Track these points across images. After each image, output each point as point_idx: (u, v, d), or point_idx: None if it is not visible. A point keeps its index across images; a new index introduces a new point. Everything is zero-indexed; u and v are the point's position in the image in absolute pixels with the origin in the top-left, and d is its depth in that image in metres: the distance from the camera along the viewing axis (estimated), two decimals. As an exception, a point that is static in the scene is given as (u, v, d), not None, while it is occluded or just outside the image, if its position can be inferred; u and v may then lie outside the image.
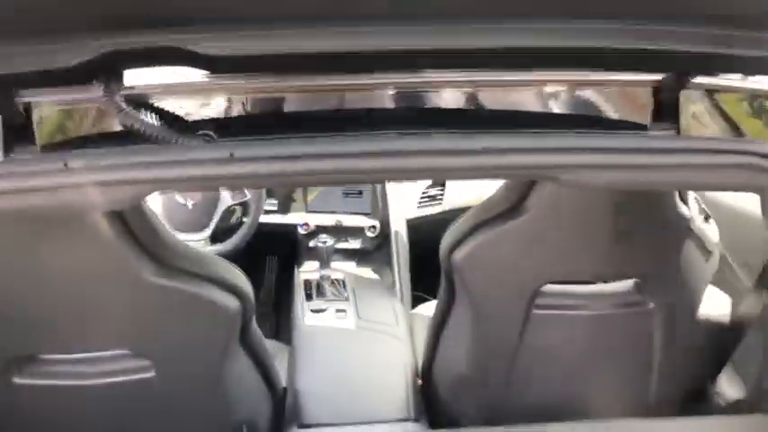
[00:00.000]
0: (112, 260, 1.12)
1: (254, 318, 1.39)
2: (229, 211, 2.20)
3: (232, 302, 1.27)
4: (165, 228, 1.24)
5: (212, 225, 2.15)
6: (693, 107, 1.10)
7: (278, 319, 2.58)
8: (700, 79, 1.02)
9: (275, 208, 2.39)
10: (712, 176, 0.97)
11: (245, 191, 2.18)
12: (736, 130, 1.13)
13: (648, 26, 0.86)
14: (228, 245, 2.15)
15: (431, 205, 2.48)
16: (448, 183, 2.49)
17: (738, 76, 1.02)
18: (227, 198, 2.16)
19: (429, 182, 2.48)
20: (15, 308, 1.16)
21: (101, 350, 1.25)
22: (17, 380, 1.24)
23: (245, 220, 2.20)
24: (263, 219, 2.25)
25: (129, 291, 1.17)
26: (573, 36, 0.87)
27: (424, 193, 2.48)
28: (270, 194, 2.36)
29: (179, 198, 2.11)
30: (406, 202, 2.45)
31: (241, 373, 1.42)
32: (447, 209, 2.43)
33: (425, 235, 1.79)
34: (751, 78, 1.03)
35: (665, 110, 1.05)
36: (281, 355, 1.91)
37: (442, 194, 2.48)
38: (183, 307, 1.23)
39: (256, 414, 1.51)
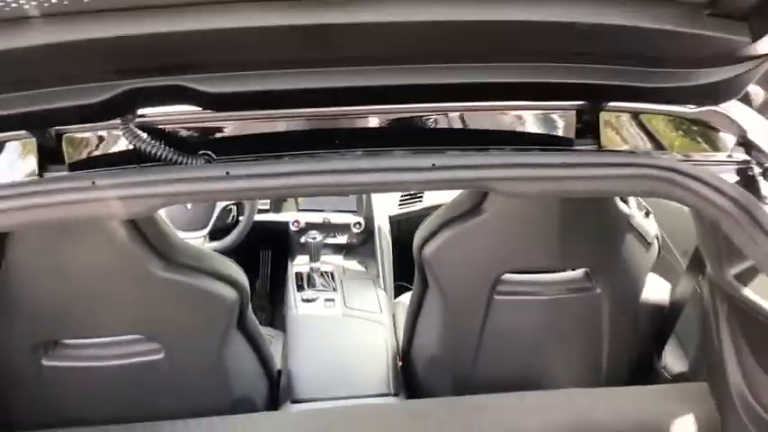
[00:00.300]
0: (127, 259, 1.31)
1: (249, 306, 1.57)
2: (226, 211, 2.36)
3: (230, 293, 1.46)
4: (170, 229, 1.43)
5: (210, 224, 2.31)
6: (619, 125, 1.29)
7: (273, 308, 2.73)
8: (613, 104, 1.22)
9: (268, 207, 2.53)
10: (622, 185, 1.16)
11: (240, 192, 2.35)
12: (656, 144, 1.32)
13: (569, 65, 1.05)
14: (226, 242, 2.30)
15: (411, 203, 2.62)
16: None
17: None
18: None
19: None
20: (44, 299, 1.35)
21: (117, 335, 1.43)
22: (45, 362, 1.42)
23: (240, 219, 2.35)
24: (258, 217, 2.39)
25: (140, 284, 1.35)
26: (512, 74, 1.06)
27: (405, 192, 2.61)
28: None
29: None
30: (388, 200, 2.60)
31: (239, 356, 1.60)
32: (427, 206, 2.56)
33: (407, 230, 1.94)
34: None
35: (588, 129, 1.24)
36: (277, 341, 2.09)
37: (421, 193, 2.61)
38: (187, 297, 1.41)
39: (254, 391, 1.69)
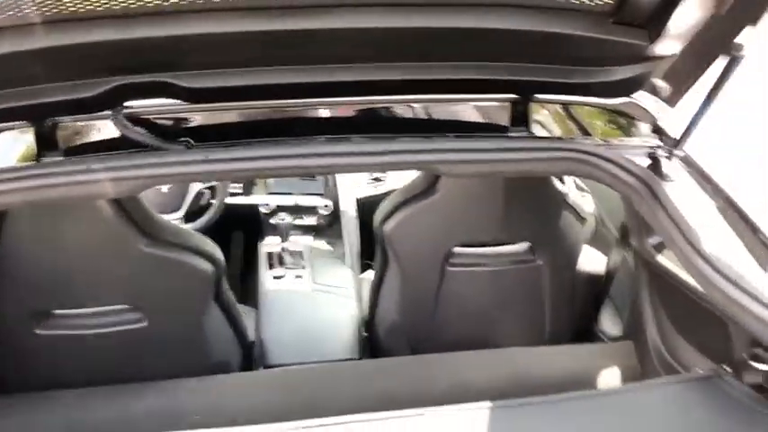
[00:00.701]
0: (114, 235, 1.46)
1: (224, 279, 1.73)
2: (199, 194, 2.47)
3: (208, 267, 1.61)
4: (152, 209, 1.58)
5: (185, 206, 2.42)
6: (550, 114, 1.47)
7: (244, 287, 2.86)
8: (542, 96, 1.40)
9: (240, 191, 2.64)
10: (548, 166, 1.35)
11: (214, 176, 2.48)
12: (582, 130, 1.51)
13: (504, 64, 1.23)
14: (199, 223, 2.40)
15: (376, 186, 2.75)
16: None
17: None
18: (197, 183, 2.46)
19: None
20: (38, 274, 1.49)
21: (105, 305, 1.58)
22: (38, 331, 1.56)
23: (212, 201, 2.47)
24: (230, 200, 2.51)
25: (126, 258, 1.50)
26: (456, 72, 1.23)
27: (370, 175, 2.75)
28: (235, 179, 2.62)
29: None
30: (354, 183, 2.73)
31: (216, 324, 1.76)
32: (390, 189, 2.63)
33: (372, 211, 2.00)
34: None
35: (520, 118, 1.42)
36: (249, 316, 2.22)
37: (385, 176, 2.74)
38: (169, 270, 1.56)
39: (230, 357, 1.84)
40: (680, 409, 1.18)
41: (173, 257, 1.54)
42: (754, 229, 1.21)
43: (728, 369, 1.23)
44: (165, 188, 2.39)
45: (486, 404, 1.12)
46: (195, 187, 2.44)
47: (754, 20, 1.13)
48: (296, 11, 1.05)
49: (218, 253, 1.64)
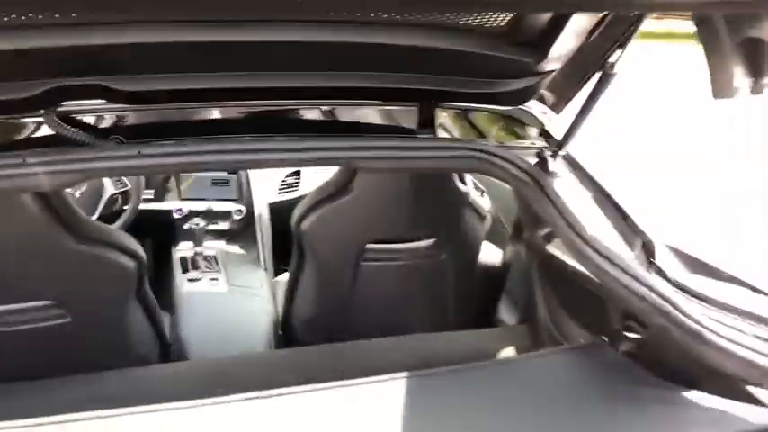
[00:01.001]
0: (39, 231, 1.48)
1: (146, 277, 1.78)
2: (112, 200, 2.49)
3: (130, 263, 1.66)
4: (77, 207, 1.61)
5: (98, 212, 2.43)
6: (451, 120, 1.66)
7: (157, 293, 2.87)
8: (447, 104, 1.59)
9: (152, 196, 2.66)
10: (450, 164, 1.53)
11: (126, 181, 2.50)
12: (479, 133, 1.71)
13: (412, 75, 1.40)
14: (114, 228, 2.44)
15: (289, 192, 2.85)
16: (302, 173, 2.87)
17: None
18: (110, 188, 2.46)
19: (287, 172, 2.85)
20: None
21: (28, 302, 1.59)
22: None
23: (125, 207, 2.49)
24: (143, 206, 2.52)
25: (51, 255, 1.53)
26: (371, 81, 1.38)
27: (283, 181, 2.85)
28: (148, 185, 2.63)
29: (68, 189, 2.39)
30: (267, 189, 2.80)
31: (136, 320, 1.80)
32: (303, 194, 2.70)
33: (285, 216, 2.10)
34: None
35: (426, 122, 1.59)
36: (164, 320, 2.27)
37: (298, 182, 2.86)
38: (93, 267, 1.59)
39: (149, 353, 1.89)
40: (564, 372, 1.37)
41: (97, 254, 1.58)
42: (622, 214, 1.44)
43: (606, 339, 1.45)
44: (77, 192, 2.39)
45: (396, 376, 1.26)
46: (108, 192, 2.45)
47: (623, 43, 1.36)
48: (224, 24, 1.16)
49: (140, 250, 1.69)
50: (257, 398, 1.20)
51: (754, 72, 1.15)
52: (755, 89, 1.17)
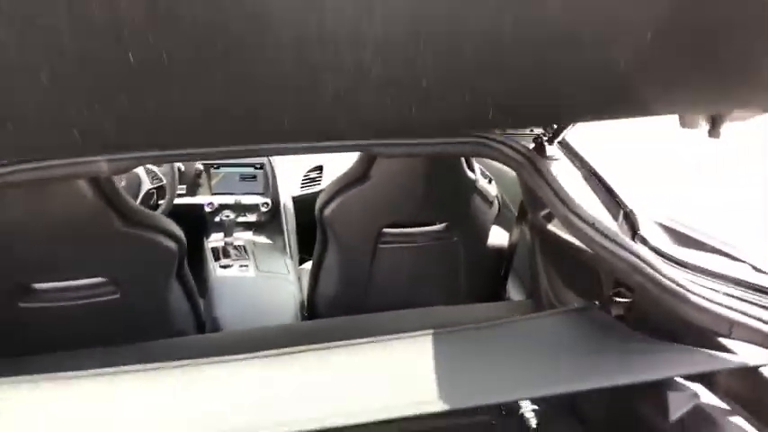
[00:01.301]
0: (92, 214, 1.68)
1: (186, 259, 1.97)
2: (149, 194, 2.67)
3: (173, 245, 1.85)
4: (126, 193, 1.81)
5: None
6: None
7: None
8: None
9: (185, 192, 2.85)
10: (457, 148, 1.69)
11: (161, 176, 2.69)
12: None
13: None
14: None
15: (311, 186, 3.03)
16: (324, 169, 3.04)
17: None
18: (147, 182, 2.67)
19: (309, 167, 3.03)
20: (22, 249, 1.69)
21: (82, 279, 1.79)
22: (21, 304, 1.76)
23: (160, 202, 2.68)
24: (176, 201, 2.70)
25: (104, 235, 1.73)
26: None
27: (305, 176, 3.03)
28: (180, 181, 2.81)
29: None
30: (291, 183, 2.98)
31: (177, 297, 1.99)
32: (324, 188, 2.99)
33: (308, 209, 2.27)
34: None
35: None
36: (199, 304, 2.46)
37: (320, 177, 3.05)
38: (141, 247, 1.79)
39: (187, 329, 2.08)
40: (561, 330, 1.53)
41: (144, 236, 1.77)
42: (611, 192, 1.60)
43: (598, 303, 1.61)
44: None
45: (413, 334, 1.44)
46: (145, 186, 2.65)
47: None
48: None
49: (181, 234, 1.88)
50: (282, 354, 1.37)
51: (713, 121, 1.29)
52: (713, 133, 1.31)
